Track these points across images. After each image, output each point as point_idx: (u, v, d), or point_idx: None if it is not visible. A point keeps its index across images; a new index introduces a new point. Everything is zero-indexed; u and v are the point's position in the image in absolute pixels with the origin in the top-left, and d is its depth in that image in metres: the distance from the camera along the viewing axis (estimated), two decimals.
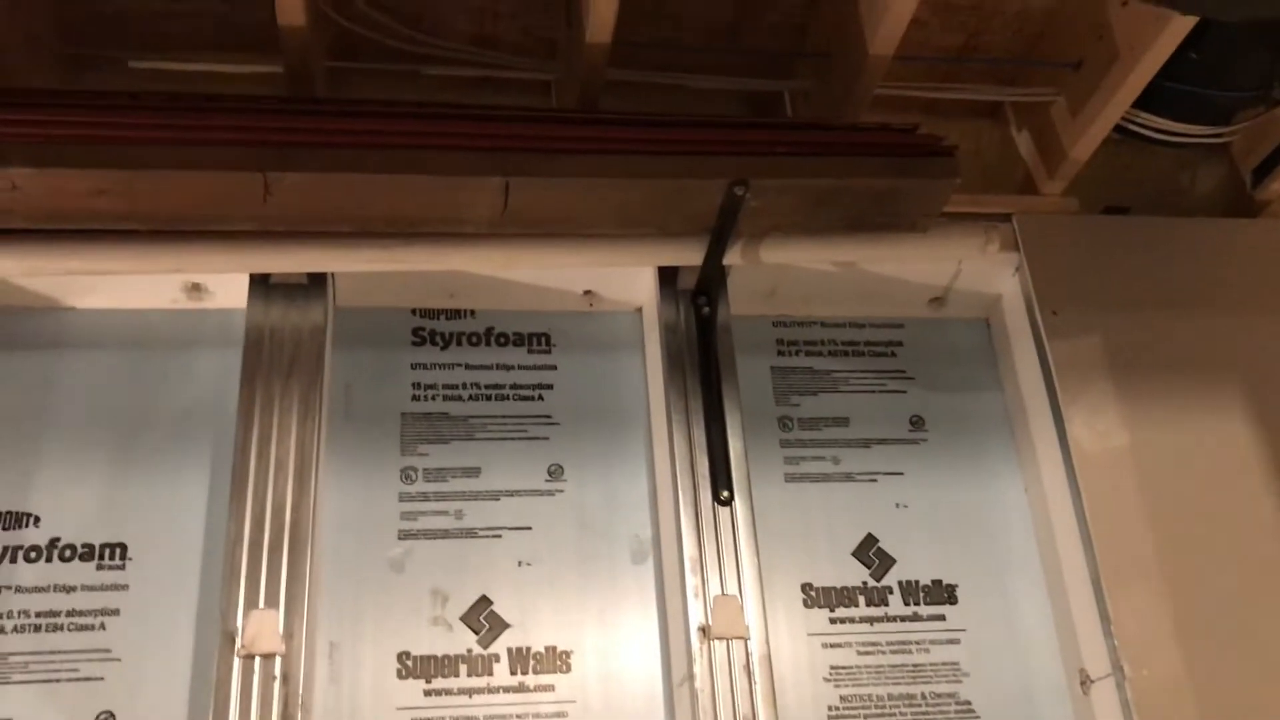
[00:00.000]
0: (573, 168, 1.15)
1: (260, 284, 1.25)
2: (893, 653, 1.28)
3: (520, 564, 1.26)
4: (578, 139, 1.17)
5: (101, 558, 1.20)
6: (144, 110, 1.09)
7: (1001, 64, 1.46)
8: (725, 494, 1.21)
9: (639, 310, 1.40)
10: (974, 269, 1.39)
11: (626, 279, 1.35)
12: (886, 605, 1.30)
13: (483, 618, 1.22)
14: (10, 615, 1.16)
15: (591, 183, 1.16)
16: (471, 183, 1.14)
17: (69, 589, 1.18)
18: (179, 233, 1.17)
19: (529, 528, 1.27)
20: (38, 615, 1.16)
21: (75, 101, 1.10)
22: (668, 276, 1.32)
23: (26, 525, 1.20)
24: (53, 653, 1.15)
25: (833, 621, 1.28)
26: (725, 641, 1.16)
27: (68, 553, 1.19)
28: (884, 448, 1.37)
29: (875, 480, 1.36)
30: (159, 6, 1.32)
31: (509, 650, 1.21)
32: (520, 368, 1.37)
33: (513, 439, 1.32)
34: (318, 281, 1.27)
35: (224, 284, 1.29)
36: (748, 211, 1.19)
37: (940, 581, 1.32)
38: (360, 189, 1.13)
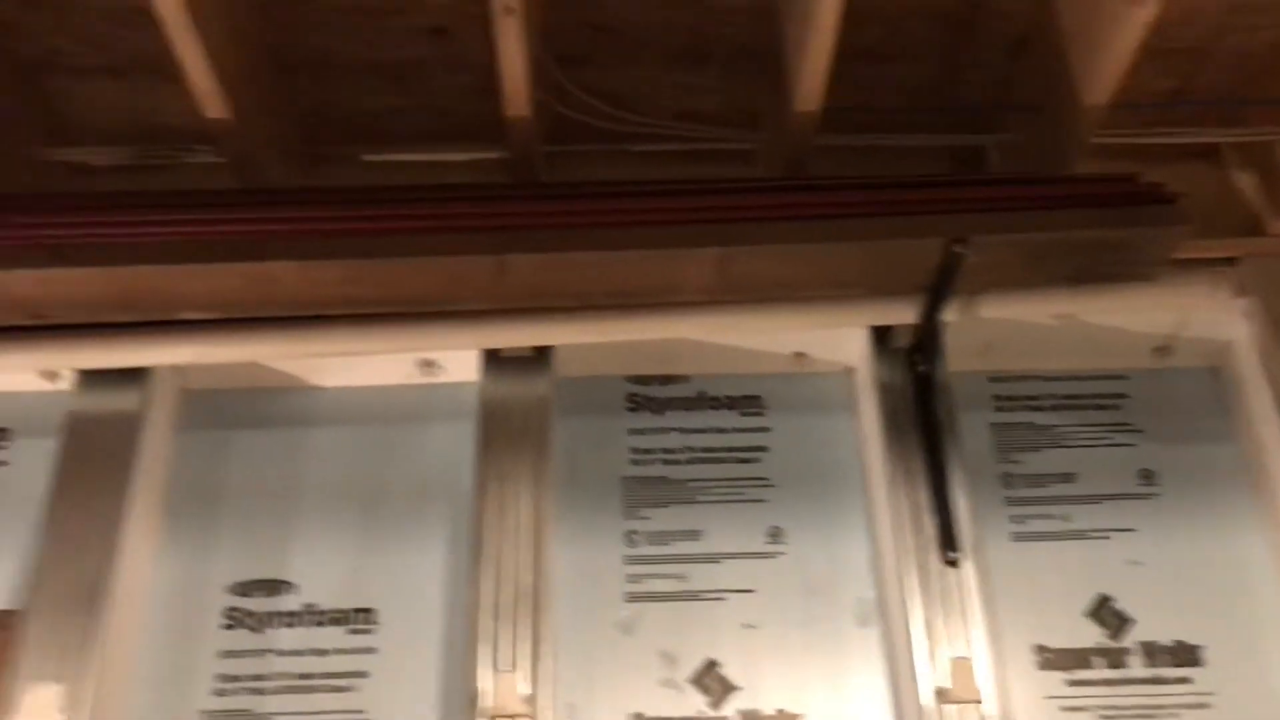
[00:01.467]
0: (788, 234, 1.18)
1: (492, 358, 1.32)
2: (1136, 718, 1.22)
3: (745, 626, 1.27)
4: (791, 205, 1.20)
5: (352, 622, 1.27)
6: (388, 203, 1.17)
7: (1219, 105, 1.42)
8: (953, 555, 1.20)
9: (850, 370, 1.40)
10: (1201, 316, 1.34)
11: (837, 339, 1.36)
12: (1126, 667, 1.25)
13: (711, 680, 1.24)
14: (272, 677, 1.24)
15: (807, 248, 1.18)
16: (689, 254, 1.18)
17: (323, 652, 1.25)
18: (416, 314, 1.25)
19: (752, 590, 1.28)
20: (297, 678, 1.24)
21: (326, 198, 1.19)
22: (880, 335, 1.32)
23: (284, 592, 1.28)
24: (312, 713, 1.22)
25: (1069, 684, 1.24)
26: (959, 705, 1.14)
27: (321, 618, 1.27)
28: (1114, 503, 1.33)
29: (1107, 538, 1.31)
30: (388, 104, 1.42)
31: (739, 713, 1.22)
32: (734, 430, 1.39)
33: (731, 502, 1.34)
34: (542, 354, 1.32)
35: (455, 360, 1.36)
36: (966, 268, 1.19)
37: (1183, 642, 1.26)
38: (585, 266, 1.18)
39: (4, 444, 1.37)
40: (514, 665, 1.15)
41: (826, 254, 1.18)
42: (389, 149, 1.44)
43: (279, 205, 1.18)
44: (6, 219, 1.18)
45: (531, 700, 1.13)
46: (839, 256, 1.19)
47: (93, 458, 1.26)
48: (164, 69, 1.34)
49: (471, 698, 1.13)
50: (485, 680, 1.14)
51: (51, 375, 1.35)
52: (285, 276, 1.16)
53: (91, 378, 1.30)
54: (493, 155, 1.43)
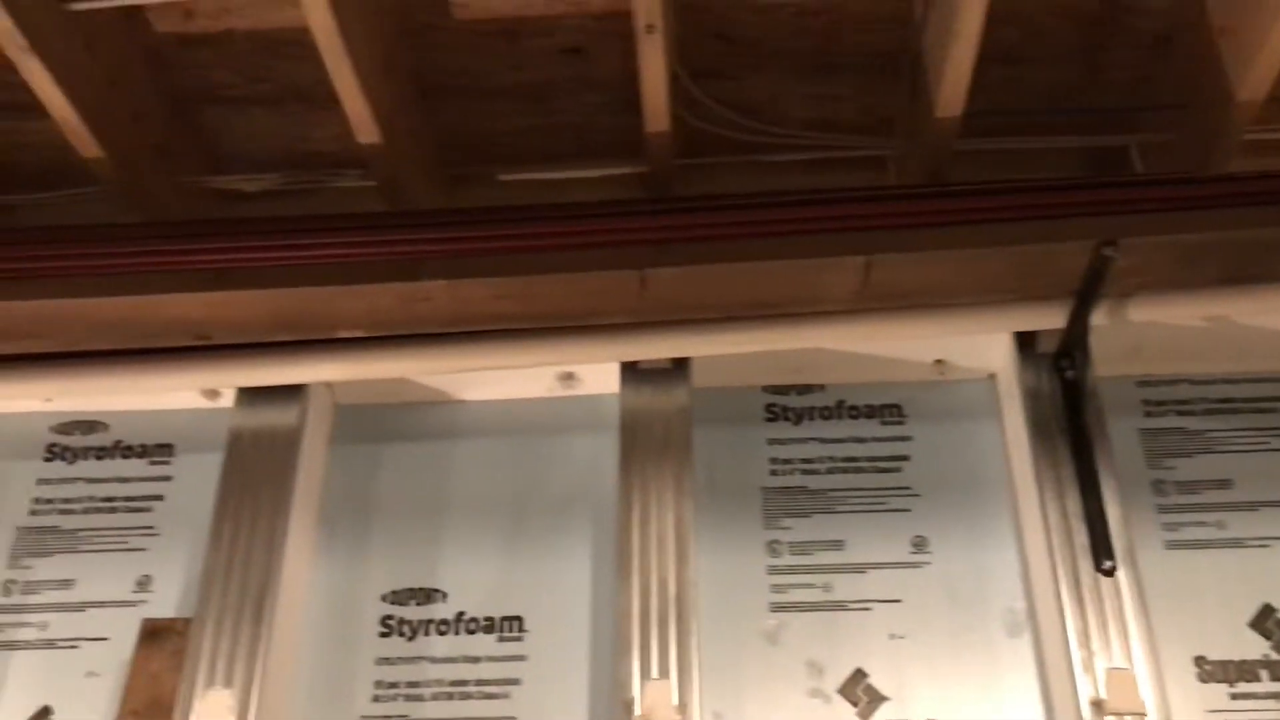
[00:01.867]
0: (932, 241, 1.18)
1: (630, 370, 1.34)
2: None
3: (892, 637, 1.26)
4: (935, 212, 1.19)
5: (502, 630, 1.30)
6: (534, 220, 1.20)
7: None
8: (1108, 563, 1.17)
9: (992, 377, 1.38)
10: None
11: (978, 346, 1.35)
12: None
13: (860, 690, 1.23)
14: (428, 684, 1.27)
15: (952, 254, 1.17)
16: (832, 264, 1.19)
17: (475, 659, 1.29)
18: (558, 328, 1.28)
19: (898, 600, 1.28)
20: (451, 684, 1.27)
21: (473, 218, 1.22)
22: (1024, 341, 1.30)
23: (436, 600, 1.32)
24: (466, 719, 1.25)
25: (1233, 698, 1.20)
26: (1119, 717, 1.11)
27: (472, 625, 1.30)
28: (1275, 510, 1.29)
29: (1268, 546, 1.27)
30: (523, 124, 1.45)
31: None
32: (874, 440, 1.38)
33: (873, 511, 1.33)
34: (680, 365, 1.34)
35: (593, 372, 1.38)
36: (1114, 271, 1.16)
37: None
38: (728, 278, 1.20)
39: (168, 459, 1.43)
40: (664, 673, 1.16)
41: (972, 259, 1.18)
42: (524, 168, 1.47)
43: (429, 226, 1.21)
44: (173, 245, 1.25)
45: (683, 708, 1.14)
46: (984, 261, 1.18)
47: (253, 471, 1.31)
48: (313, 98, 1.40)
49: (626, 704, 1.15)
50: (638, 688, 1.16)
51: (212, 393, 1.41)
52: (437, 294, 1.20)
53: (250, 395, 1.36)
54: (625, 170, 1.45)
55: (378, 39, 1.23)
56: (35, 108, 1.39)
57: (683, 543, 1.24)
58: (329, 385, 1.40)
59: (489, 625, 1.30)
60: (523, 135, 1.47)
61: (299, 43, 1.32)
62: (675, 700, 1.15)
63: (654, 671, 1.17)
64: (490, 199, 1.48)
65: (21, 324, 1.27)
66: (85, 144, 1.27)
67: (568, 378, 1.40)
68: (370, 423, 1.42)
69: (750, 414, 1.41)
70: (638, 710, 1.15)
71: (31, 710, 1.28)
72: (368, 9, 1.20)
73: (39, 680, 1.30)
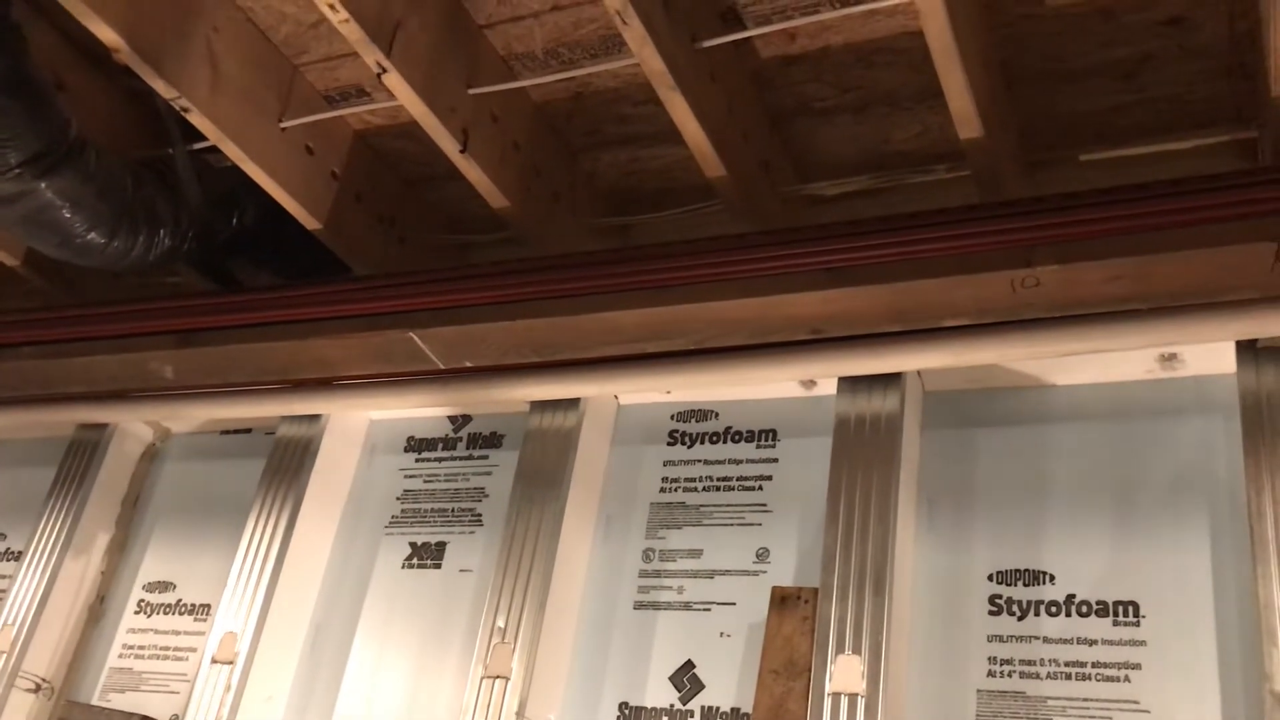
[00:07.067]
0: None
1: (1247, 349, 1.27)
2: None
3: None
4: None
5: (1116, 614, 1.29)
6: (1152, 199, 1.18)
7: None
8: None
9: None
10: None
11: None
12: None
13: None
14: (1042, 663, 1.30)
15: None
16: None
17: (1090, 642, 1.29)
18: (1167, 308, 1.25)
19: None
20: (1065, 664, 1.29)
21: (1084, 201, 1.22)
22: None
23: (1044, 582, 1.34)
24: (1085, 700, 1.26)
25: None
26: None
27: (1084, 609, 1.31)
28: None
29: None
30: (1111, 102, 1.43)
31: None
32: None
33: None
34: None
35: (1199, 353, 1.33)
36: None
37: None
38: None
39: (773, 443, 1.57)
40: None
41: None
42: (1108, 147, 1.45)
43: (1038, 212, 1.23)
44: (789, 249, 1.36)
45: None
46: None
47: (860, 455, 1.40)
48: (897, 101, 1.48)
49: (1276, 697, 1.10)
50: None
51: (809, 383, 1.53)
52: (1046, 279, 1.22)
53: (852, 383, 1.45)
54: (1224, 139, 1.38)
55: (979, 36, 1.28)
56: (654, 138, 1.60)
57: None
58: (919, 373, 1.46)
59: (1102, 609, 1.30)
60: (1108, 114, 1.44)
61: (891, 49, 1.40)
62: None
63: None
64: (1071, 182, 1.46)
65: (657, 327, 1.46)
66: (711, 165, 1.44)
67: (1169, 359, 1.36)
68: (958, 408, 1.47)
69: None
70: None
71: (679, 663, 1.47)
72: (972, 9, 1.24)
73: (681, 637, 1.49)
